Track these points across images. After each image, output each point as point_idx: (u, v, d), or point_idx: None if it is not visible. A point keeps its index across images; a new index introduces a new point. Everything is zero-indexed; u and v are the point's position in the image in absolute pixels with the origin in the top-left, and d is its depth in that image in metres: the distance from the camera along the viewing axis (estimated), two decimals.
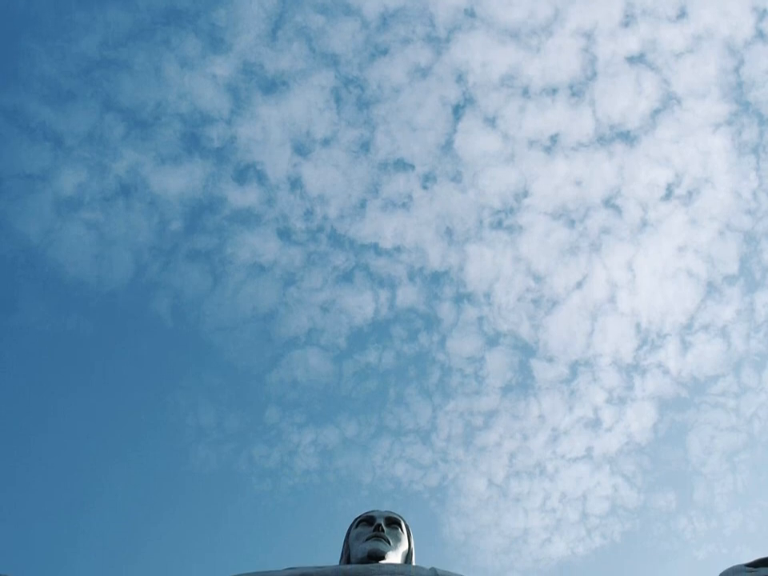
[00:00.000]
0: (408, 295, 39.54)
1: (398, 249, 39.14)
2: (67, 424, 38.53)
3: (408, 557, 12.78)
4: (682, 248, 38.95)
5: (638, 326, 38.91)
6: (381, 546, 12.02)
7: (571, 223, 39.02)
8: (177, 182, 38.13)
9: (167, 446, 39.80)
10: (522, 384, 39.48)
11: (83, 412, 38.92)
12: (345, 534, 13.12)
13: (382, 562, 11.81)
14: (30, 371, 38.12)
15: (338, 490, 39.42)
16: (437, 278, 39.52)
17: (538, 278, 39.14)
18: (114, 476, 38.10)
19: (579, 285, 39.03)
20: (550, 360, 39.03)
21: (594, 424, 39.05)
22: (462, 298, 39.51)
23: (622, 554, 39.41)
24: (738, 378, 38.59)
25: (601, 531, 38.46)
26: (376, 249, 39.36)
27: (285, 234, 39.04)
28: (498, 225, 39.29)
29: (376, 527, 12.30)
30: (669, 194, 38.74)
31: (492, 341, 39.37)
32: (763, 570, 10.92)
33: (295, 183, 38.90)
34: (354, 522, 13.00)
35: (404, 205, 39.17)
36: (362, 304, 39.24)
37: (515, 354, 39.42)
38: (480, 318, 39.21)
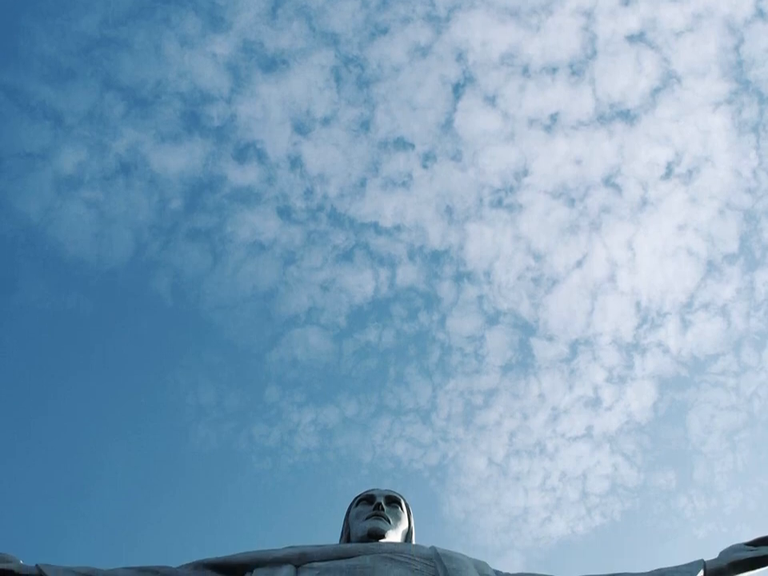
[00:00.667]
0: (408, 274, 39.52)
1: (398, 228, 39.10)
2: (67, 403, 38.64)
3: (408, 535, 12.79)
4: (682, 227, 38.91)
5: (638, 304, 38.92)
6: (381, 524, 12.03)
7: (571, 202, 38.97)
8: (177, 160, 38.04)
9: (167, 425, 39.88)
10: (522, 363, 39.52)
11: (83, 391, 39.02)
12: (345, 513, 13.13)
13: (382, 540, 11.82)
14: (29, 350, 38.17)
15: (338, 469, 39.52)
16: (437, 257, 39.51)
17: (538, 257, 39.11)
18: (113, 455, 38.20)
19: (579, 264, 39.02)
20: (550, 339, 39.06)
21: (594, 403, 39.14)
22: (461, 277, 39.51)
23: (622, 532, 39.56)
24: (738, 357, 38.63)
25: (601, 510, 38.60)
26: (376, 228, 39.33)
27: (285, 213, 38.99)
28: (498, 204, 39.25)
29: (376, 506, 12.31)
30: (669, 173, 38.68)
31: (492, 320, 39.41)
32: (764, 549, 10.92)
33: (295, 162, 38.82)
34: (354, 501, 13.01)
35: (404, 184, 39.10)
36: (361, 283, 39.23)
37: (515, 333, 39.46)
38: (480, 297, 39.21)
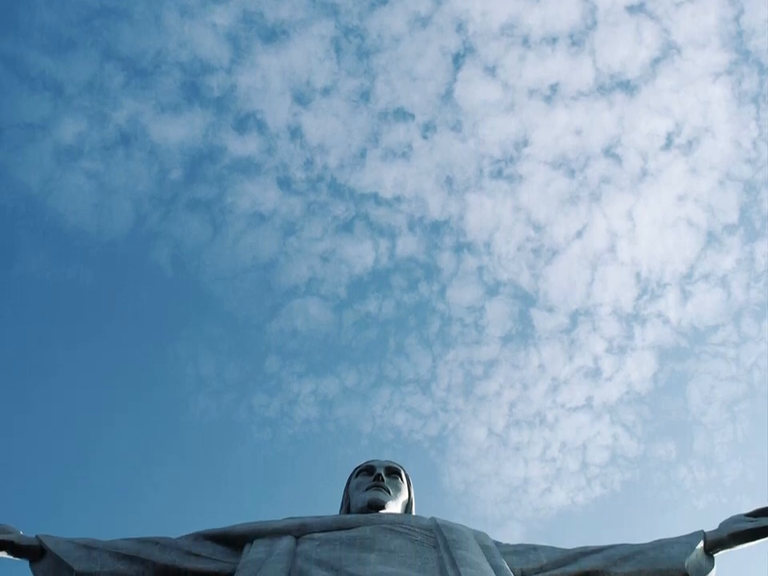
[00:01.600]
0: (408, 245, 39.43)
1: (398, 198, 38.95)
2: (68, 373, 38.68)
3: (408, 506, 12.80)
4: (682, 197, 38.76)
5: (638, 275, 38.87)
6: (381, 495, 12.03)
7: (571, 173, 38.79)
8: (177, 131, 37.83)
9: (167, 396, 39.94)
10: (522, 333, 39.54)
11: (83, 361, 39.06)
12: (345, 484, 13.14)
13: (382, 511, 11.83)
14: (29, 320, 38.16)
15: (338, 440, 39.65)
16: (437, 228, 39.40)
17: (538, 228, 39.00)
18: (114, 426, 38.30)
19: (579, 234, 38.91)
20: (550, 310, 39.04)
21: (594, 373, 39.20)
22: (461, 248, 39.42)
23: (622, 503, 39.75)
24: (738, 328, 38.64)
25: (601, 480, 38.76)
26: (376, 198, 39.18)
27: (285, 184, 38.83)
28: (498, 174, 39.06)
29: (376, 477, 12.30)
30: (669, 144, 38.48)
31: (492, 290, 39.36)
32: (763, 520, 10.93)
33: (295, 132, 38.60)
34: (354, 472, 13.01)
35: (404, 154, 38.90)
36: (361, 253, 39.15)
37: (515, 304, 39.43)
38: (480, 268, 39.14)
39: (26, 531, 11.26)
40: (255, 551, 10.61)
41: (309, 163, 38.72)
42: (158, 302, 39.97)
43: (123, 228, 38.02)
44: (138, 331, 39.40)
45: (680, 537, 11.36)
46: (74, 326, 39.30)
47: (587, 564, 11.04)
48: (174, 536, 11.47)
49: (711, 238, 38.60)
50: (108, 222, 37.82)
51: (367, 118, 38.79)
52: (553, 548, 11.58)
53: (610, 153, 38.66)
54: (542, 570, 11.11)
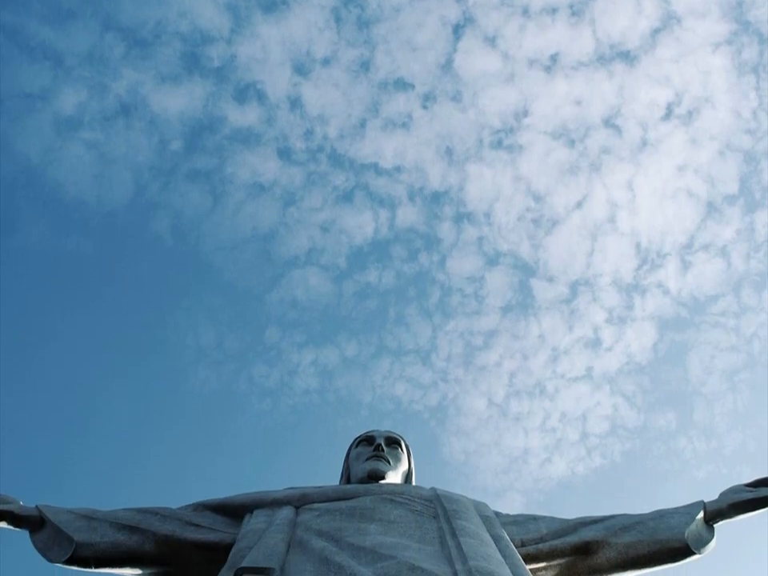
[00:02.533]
0: (408, 215, 39.29)
1: (397, 168, 38.75)
2: (68, 343, 38.69)
3: (408, 476, 12.81)
4: (682, 168, 38.55)
5: (637, 245, 38.74)
6: (381, 465, 12.03)
7: (571, 143, 38.55)
8: (177, 101, 37.58)
9: (167, 366, 40.00)
10: (522, 304, 39.48)
11: (84, 331, 39.04)
12: (345, 454, 13.15)
13: (382, 481, 11.84)
14: (30, 291, 38.09)
15: (338, 410, 39.71)
16: (437, 198, 39.22)
17: (537, 198, 38.82)
18: (113, 397, 38.35)
19: (579, 204, 38.72)
20: (550, 280, 38.96)
21: (594, 344, 39.18)
22: (462, 218, 39.27)
23: (622, 473, 39.88)
24: (737, 298, 38.59)
25: (601, 451, 38.87)
26: (376, 168, 38.97)
27: (285, 154, 38.62)
28: (498, 144, 38.83)
29: (376, 447, 12.30)
30: (669, 114, 38.21)
31: (492, 261, 39.25)
32: (763, 491, 10.93)
33: (295, 103, 38.32)
34: (353, 442, 13.01)
35: (404, 125, 38.66)
36: (361, 224, 39.01)
37: (515, 274, 39.34)
38: (480, 238, 39.01)
39: (25, 501, 11.27)
40: (255, 521, 10.62)
41: (309, 133, 38.53)
42: (158, 272, 39.92)
43: (123, 198, 37.89)
44: (139, 301, 39.38)
45: (680, 507, 11.38)
46: (74, 296, 39.26)
47: (587, 534, 11.06)
48: (173, 506, 11.49)
49: (711, 209, 38.45)
50: (108, 193, 37.68)
51: (367, 88, 38.55)
52: (553, 518, 11.60)
53: (609, 123, 38.44)
54: (541, 540, 11.13)
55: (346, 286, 39.27)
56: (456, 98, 38.47)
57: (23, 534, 11.18)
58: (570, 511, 12.04)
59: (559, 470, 38.71)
